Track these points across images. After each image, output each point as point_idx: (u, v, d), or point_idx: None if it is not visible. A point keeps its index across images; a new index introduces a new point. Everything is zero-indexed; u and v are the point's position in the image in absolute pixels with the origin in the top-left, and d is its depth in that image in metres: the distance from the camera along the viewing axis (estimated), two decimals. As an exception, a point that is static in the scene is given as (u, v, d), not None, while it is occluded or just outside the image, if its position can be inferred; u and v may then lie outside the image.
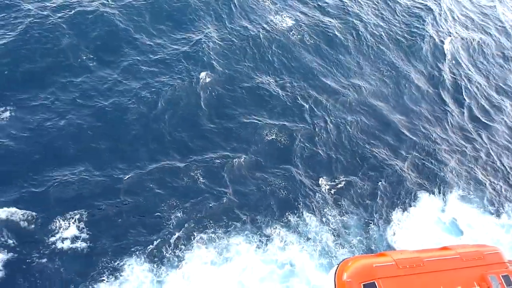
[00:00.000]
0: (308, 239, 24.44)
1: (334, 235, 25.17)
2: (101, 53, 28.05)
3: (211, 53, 30.97)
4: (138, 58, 28.87)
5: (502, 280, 22.17)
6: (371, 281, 19.94)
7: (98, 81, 26.60)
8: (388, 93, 36.13)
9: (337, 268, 21.13)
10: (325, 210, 26.21)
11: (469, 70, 42.91)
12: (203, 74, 29.65)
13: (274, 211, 25.07)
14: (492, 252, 24.33)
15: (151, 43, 30.03)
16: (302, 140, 29.15)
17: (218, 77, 30.10)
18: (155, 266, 20.39)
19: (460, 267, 22.45)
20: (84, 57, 27.31)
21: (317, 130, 30.33)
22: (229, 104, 29.19)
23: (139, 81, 27.77)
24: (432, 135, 34.80)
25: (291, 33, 35.66)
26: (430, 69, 40.27)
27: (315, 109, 31.59)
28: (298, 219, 25.12)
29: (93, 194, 21.70)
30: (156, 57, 29.42)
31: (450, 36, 45.21)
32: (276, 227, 24.22)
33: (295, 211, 25.49)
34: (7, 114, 22.87)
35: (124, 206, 21.96)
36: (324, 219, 25.72)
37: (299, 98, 31.69)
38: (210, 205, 23.67)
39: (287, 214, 25.18)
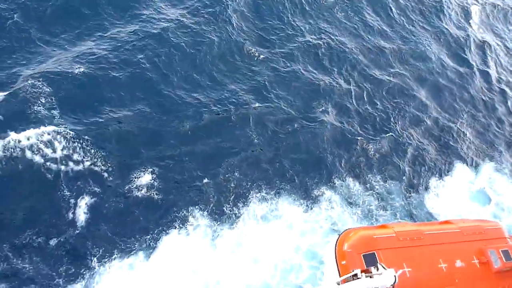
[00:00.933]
0: (352, 202, 26.00)
1: (377, 200, 26.74)
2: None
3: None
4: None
5: (502, 254, 22.41)
6: (371, 252, 20.25)
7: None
8: (430, 60, 37.97)
9: (338, 238, 21.48)
10: (368, 175, 27.80)
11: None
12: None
13: (322, 176, 26.53)
14: (493, 227, 24.54)
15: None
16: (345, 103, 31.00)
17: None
18: (215, 219, 22.39)
19: (460, 241, 22.71)
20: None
21: (355, 94, 31.85)
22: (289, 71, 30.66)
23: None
24: (471, 109, 36.67)
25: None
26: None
27: (352, 71, 33.12)
28: (343, 183, 26.68)
29: (165, 152, 23.50)
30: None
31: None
32: (322, 190, 25.73)
33: (341, 176, 27.01)
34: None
35: (190, 165, 23.77)
36: (368, 184, 27.33)
37: (336, 60, 33.03)
38: (264, 167, 25.48)
39: (333, 178, 26.67)
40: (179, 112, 25.46)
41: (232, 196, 23.54)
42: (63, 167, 20.39)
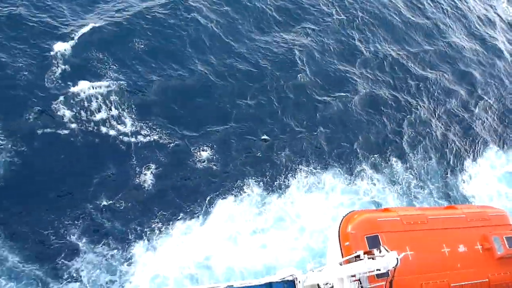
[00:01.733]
0: (393, 180, 28.52)
1: (415, 179, 29.25)
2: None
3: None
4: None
5: (505, 241, 22.39)
6: (375, 234, 20.37)
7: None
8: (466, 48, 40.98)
9: (342, 220, 21.58)
10: (409, 156, 30.42)
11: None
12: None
13: (365, 154, 28.98)
14: (498, 214, 24.51)
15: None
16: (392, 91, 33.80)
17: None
18: (266, 189, 24.66)
19: (464, 227, 22.74)
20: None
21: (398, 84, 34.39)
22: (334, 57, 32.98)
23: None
24: (505, 92, 39.43)
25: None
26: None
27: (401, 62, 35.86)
28: (384, 161, 29.31)
29: (223, 130, 25.74)
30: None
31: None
32: (364, 167, 28.17)
33: (384, 155, 29.68)
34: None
35: (246, 141, 26.18)
36: (407, 164, 29.87)
37: (382, 54, 35.61)
38: (314, 145, 27.98)
39: (376, 157, 29.21)
40: (240, 90, 27.62)
41: (283, 169, 25.88)
42: (133, 139, 22.55)
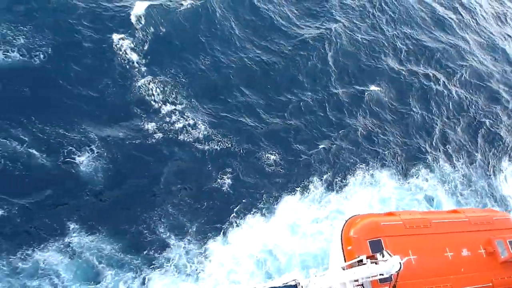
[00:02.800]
0: (443, 180, 30.74)
1: (463, 179, 31.71)
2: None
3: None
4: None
5: (509, 245, 22.27)
6: (377, 239, 20.30)
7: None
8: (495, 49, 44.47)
9: (344, 224, 21.52)
10: (457, 156, 33.10)
11: None
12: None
13: (416, 155, 31.30)
14: (502, 217, 24.41)
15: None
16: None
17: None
18: (326, 187, 26.67)
19: (467, 230, 22.65)
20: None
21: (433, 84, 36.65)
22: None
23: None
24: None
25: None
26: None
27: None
28: (435, 162, 31.55)
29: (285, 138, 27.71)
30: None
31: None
32: (418, 167, 30.55)
33: (436, 156, 31.98)
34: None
35: (310, 144, 28.30)
36: (455, 166, 32.40)
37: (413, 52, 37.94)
38: (371, 146, 30.22)
39: (428, 157, 31.51)
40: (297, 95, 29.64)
41: (343, 168, 27.98)
42: (207, 146, 24.60)
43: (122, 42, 24.96)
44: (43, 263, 17.99)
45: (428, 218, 22.41)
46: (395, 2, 40.53)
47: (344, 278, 17.21)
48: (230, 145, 25.30)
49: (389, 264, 15.75)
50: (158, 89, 24.76)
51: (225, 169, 24.40)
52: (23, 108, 20.36)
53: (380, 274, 16.08)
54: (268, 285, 19.51)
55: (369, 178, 28.16)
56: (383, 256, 16.52)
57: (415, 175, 29.93)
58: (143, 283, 19.42)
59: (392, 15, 39.46)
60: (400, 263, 15.72)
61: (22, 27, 21.95)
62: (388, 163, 29.73)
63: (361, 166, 28.48)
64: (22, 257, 17.84)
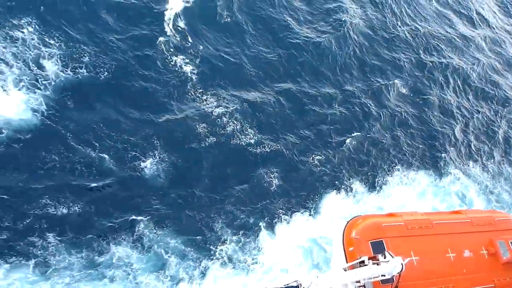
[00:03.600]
0: (474, 180, 32.68)
1: (492, 179, 33.78)
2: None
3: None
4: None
5: (511, 246, 22.29)
6: (379, 240, 20.33)
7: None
8: None
9: (346, 225, 21.54)
10: (487, 158, 35.10)
11: None
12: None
13: (451, 157, 33.34)
14: (504, 218, 24.39)
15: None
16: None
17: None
18: (366, 186, 28.41)
19: (469, 231, 22.65)
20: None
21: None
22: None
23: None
24: None
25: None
26: None
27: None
28: (465, 163, 33.75)
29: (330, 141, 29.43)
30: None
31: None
32: (451, 168, 32.47)
33: (466, 157, 34.18)
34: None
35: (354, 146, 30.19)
36: (486, 166, 34.41)
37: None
38: (402, 147, 32.02)
39: (460, 158, 33.80)
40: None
41: (381, 169, 29.82)
42: (258, 149, 26.23)
43: (176, 58, 26.53)
44: (118, 255, 20.21)
45: (430, 219, 22.40)
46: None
47: (346, 279, 17.24)
48: (278, 147, 26.97)
49: (391, 265, 15.79)
50: (212, 98, 26.53)
51: (274, 169, 26.11)
52: (93, 118, 22.32)
53: (382, 275, 16.11)
54: (271, 286, 19.55)
55: (405, 177, 30.06)
56: (385, 257, 16.55)
57: (448, 174, 31.92)
58: (202, 272, 21.57)
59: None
60: (402, 264, 15.75)
61: (86, 47, 23.66)
62: (421, 163, 31.79)
63: (397, 166, 30.40)
64: (99, 250, 20.03)
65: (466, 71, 39.54)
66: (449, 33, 41.95)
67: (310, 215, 25.46)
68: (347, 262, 19.43)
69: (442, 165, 32.21)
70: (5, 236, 18.54)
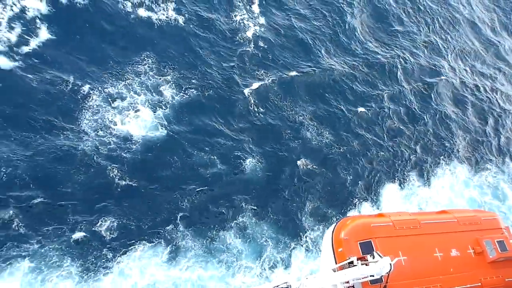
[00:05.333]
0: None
1: None
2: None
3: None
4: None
5: (497, 245, 22.59)
6: (368, 240, 20.46)
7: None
8: None
9: (335, 226, 21.63)
10: None
11: None
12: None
13: (488, 153, 37.22)
14: (489, 218, 24.69)
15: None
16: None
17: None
18: (404, 188, 31.36)
19: (456, 231, 22.90)
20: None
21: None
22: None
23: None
24: None
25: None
26: None
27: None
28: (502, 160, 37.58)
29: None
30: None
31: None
32: (488, 165, 36.19)
33: (499, 157, 37.83)
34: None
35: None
36: None
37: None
38: (440, 145, 35.59)
39: (498, 156, 37.55)
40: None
41: (431, 164, 33.56)
42: (332, 150, 30.34)
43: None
44: (227, 242, 24.21)
45: (417, 219, 22.61)
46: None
47: (335, 280, 17.30)
48: (345, 148, 30.81)
49: (380, 265, 15.89)
50: (289, 108, 30.95)
51: (348, 167, 30.10)
52: (203, 128, 27.16)
53: (370, 276, 16.20)
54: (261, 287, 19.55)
55: (448, 172, 33.60)
56: (373, 258, 16.64)
57: (486, 169, 35.49)
58: (289, 255, 25.07)
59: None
60: (390, 264, 15.86)
61: (191, 73, 28.60)
62: (464, 159, 35.58)
63: (443, 162, 33.98)
64: (213, 237, 24.14)
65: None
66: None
67: (373, 204, 29.21)
68: (336, 263, 19.50)
69: (481, 161, 36.05)
70: (150, 223, 22.97)
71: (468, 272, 21.82)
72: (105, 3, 27.45)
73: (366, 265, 16.54)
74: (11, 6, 23.97)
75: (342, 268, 17.78)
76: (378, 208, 28.84)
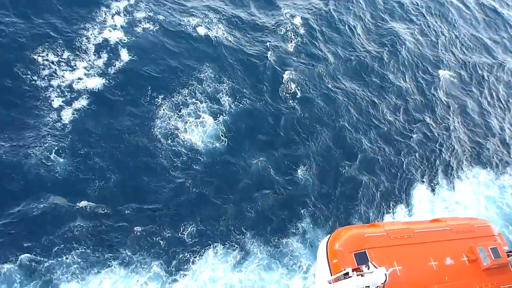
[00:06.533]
0: None
1: None
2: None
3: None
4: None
5: (491, 252, 22.67)
6: (362, 251, 20.35)
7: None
8: None
9: (329, 237, 21.55)
10: None
11: None
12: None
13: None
14: (482, 225, 24.80)
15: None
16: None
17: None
18: (432, 191, 32.80)
19: (449, 239, 22.94)
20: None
21: None
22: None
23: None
24: None
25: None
26: None
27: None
28: None
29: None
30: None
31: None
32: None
33: None
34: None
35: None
36: None
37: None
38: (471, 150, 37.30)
39: None
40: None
41: (455, 166, 35.25)
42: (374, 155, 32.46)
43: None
44: (289, 246, 25.63)
45: (411, 228, 22.62)
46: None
47: (331, 291, 17.21)
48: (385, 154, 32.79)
49: (375, 276, 15.88)
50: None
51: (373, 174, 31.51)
52: (258, 137, 29.28)
53: (366, 286, 16.14)
54: None
55: (471, 176, 34.80)
56: (368, 268, 16.62)
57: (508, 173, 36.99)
58: None
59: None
60: (385, 274, 15.85)
61: (243, 85, 30.89)
62: (488, 164, 36.97)
63: (468, 167, 35.40)
64: (275, 243, 25.53)
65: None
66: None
67: (406, 206, 30.67)
68: (331, 275, 19.39)
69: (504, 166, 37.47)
70: (223, 227, 24.87)
71: (463, 280, 21.82)
72: (171, 27, 31.36)
73: (362, 276, 16.50)
74: (96, 37, 28.03)
75: (337, 279, 17.70)
76: (410, 212, 30.54)
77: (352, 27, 38.88)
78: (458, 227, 23.85)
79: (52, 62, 26.10)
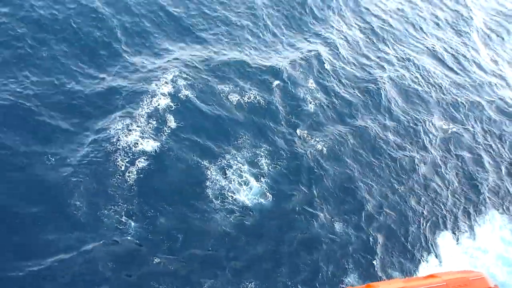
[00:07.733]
0: None
1: None
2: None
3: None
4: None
5: (489, 305, 22.30)
6: (360, 314, 19.84)
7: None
8: None
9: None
10: None
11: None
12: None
13: None
14: (477, 277, 24.37)
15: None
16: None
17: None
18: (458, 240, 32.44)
19: (447, 295, 22.59)
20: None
21: None
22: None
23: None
24: None
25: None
26: None
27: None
28: None
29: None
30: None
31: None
32: None
33: None
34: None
35: None
36: None
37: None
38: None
39: None
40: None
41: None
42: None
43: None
44: None
45: (407, 287, 22.36)
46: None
47: None
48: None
49: None
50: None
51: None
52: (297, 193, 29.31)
53: None
54: None
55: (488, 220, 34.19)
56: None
57: None
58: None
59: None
60: None
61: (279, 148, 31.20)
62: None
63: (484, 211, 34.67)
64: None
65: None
66: None
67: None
68: None
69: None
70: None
71: (466, 336, 21.23)
72: (208, 95, 31.82)
73: None
74: (148, 106, 29.01)
75: None
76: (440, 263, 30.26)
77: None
78: (454, 281, 23.29)
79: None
